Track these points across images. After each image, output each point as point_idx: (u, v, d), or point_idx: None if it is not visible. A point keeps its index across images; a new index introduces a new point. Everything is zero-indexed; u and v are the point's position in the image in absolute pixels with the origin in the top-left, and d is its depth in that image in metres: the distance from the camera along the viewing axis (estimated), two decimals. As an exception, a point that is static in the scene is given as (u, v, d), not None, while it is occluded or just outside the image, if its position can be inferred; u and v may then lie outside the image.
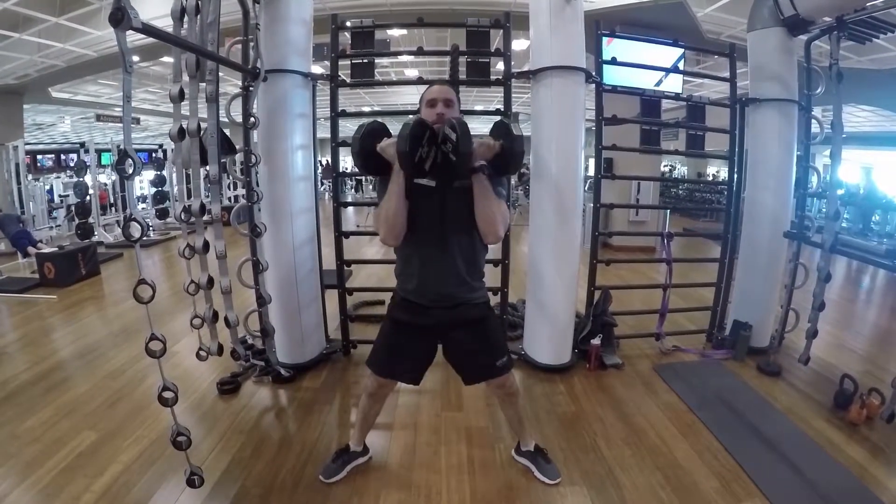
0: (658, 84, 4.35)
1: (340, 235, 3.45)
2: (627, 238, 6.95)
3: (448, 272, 1.90)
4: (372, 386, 2.14)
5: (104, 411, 2.83)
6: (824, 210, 3.25)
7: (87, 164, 8.31)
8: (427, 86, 1.96)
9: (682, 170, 21.18)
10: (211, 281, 2.73)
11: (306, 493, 2.16)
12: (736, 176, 3.71)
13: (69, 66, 8.33)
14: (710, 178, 18.68)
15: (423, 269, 1.91)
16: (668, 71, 3.83)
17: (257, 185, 3.05)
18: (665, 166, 20.22)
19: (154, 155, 10.79)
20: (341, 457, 2.28)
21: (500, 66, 3.40)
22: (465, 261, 1.91)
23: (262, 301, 3.09)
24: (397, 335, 2.04)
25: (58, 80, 9.55)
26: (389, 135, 1.89)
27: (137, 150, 1.77)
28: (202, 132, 2.55)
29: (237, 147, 3.08)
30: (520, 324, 3.73)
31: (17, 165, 8.85)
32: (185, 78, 2.40)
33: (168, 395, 1.86)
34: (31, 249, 6.26)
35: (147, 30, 1.71)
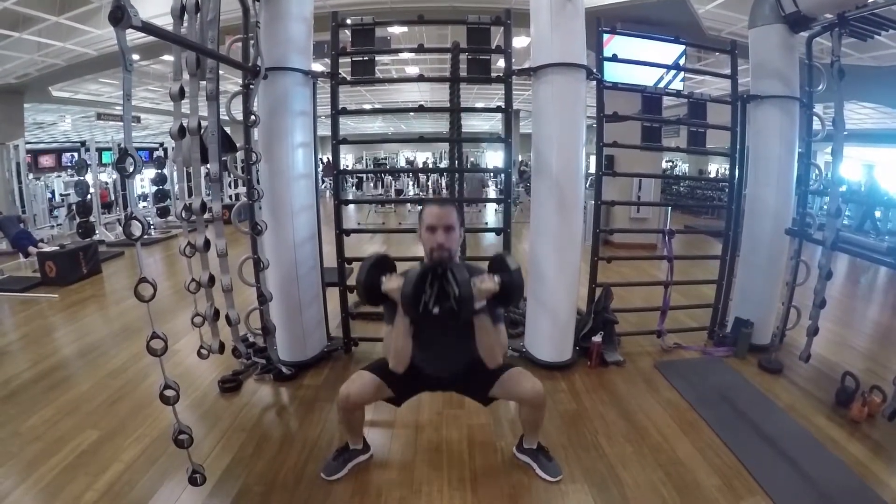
0: (660, 82, 4.34)
1: (341, 233, 3.45)
2: (629, 235, 6.96)
3: (450, 364, 2.15)
4: (346, 401, 2.12)
5: (106, 410, 2.84)
6: (825, 207, 3.24)
7: (88, 162, 8.30)
8: (426, 204, 2.02)
9: (682, 167, 21.14)
10: (212, 279, 2.73)
11: (308, 491, 2.16)
12: (737, 173, 3.70)
13: (69, 64, 8.33)
14: (712, 176, 18.64)
15: (429, 363, 2.13)
16: (669, 68, 3.81)
17: (258, 183, 3.05)
18: (667, 162, 20.23)
19: (155, 153, 10.79)
20: (342, 454, 2.29)
21: (501, 63, 3.40)
22: (466, 354, 2.06)
23: (263, 299, 3.09)
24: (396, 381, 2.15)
25: (58, 79, 9.55)
26: (394, 268, 1.99)
27: (138, 149, 1.77)
28: (203, 130, 2.54)
29: (238, 145, 3.08)
30: (521, 321, 3.73)
31: (17, 165, 8.87)
32: (186, 76, 2.40)
33: (169, 393, 1.86)
34: (31, 249, 6.27)
35: (147, 28, 1.71)
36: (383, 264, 1.97)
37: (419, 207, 2.11)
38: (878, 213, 10.11)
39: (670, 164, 20.80)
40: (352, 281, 3.34)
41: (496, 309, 1.93)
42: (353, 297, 3.57)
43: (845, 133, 2.99)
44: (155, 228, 9.14)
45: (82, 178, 8.04)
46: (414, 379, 2.14)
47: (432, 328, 1.92)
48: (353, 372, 3.23)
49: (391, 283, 1.87)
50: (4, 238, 7.07)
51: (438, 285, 1.79)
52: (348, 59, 3.35)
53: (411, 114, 22.22)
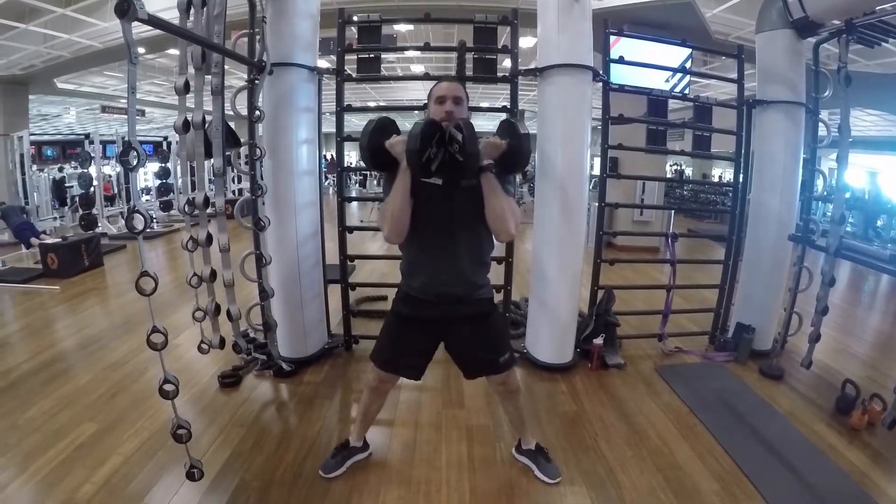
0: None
1: (344, 230, 3.44)
2: (631, 238, 6.94)
3: (454, 270, 1.90)
4: (374, 381, 2.14)
5: (105, 403, 2.84)
6: (829, 214, 3.23)
7: (92, 155, 8.31)
8: (436, 81, 1.95)
9: (688, 171, 21.08)
10: (214, 274, 2.73)
11: (306, 488, 2.16)
12: (742, 178, 3.69)
13: (75, 57, 8.32)
14: (716, 180, 18.61)
15: (428, 268, 1.92)
16: (675, 71, 3.80)
17: (262, 178, 3.05)
18: (673, 166, 20.15)
19: (160, 148, 10.80)
20: (341, 452, 2.28)
21: (507, 63, 3.39)
22: (472, 259, 1.92)
23: (264, 295, 3.09)
24: (400, 329, 2.04)
25: (63, 71, 9.54)
26: (398, 131, 1.87)
27: (142, 142, 1.77)
28: (207, 125, 2.54)
29: (242, 140, 3.07)
30: (522, 322, 3.72)
31: (21, 156, 8.88)
32: (191, 70, 2.40)
33: (169, 387, 1.86)
34: (34, 241, 6.28)
35: (153, 21, 1.70)
36: (389, 126, 1.87)
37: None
38: (880, 222, 10.09)
39: (677, 167, 20.72)
40: (354, 279, 3.34)
41: (505, 180, 1.84)
42: (354, 295, 3.56)
43: (850, 140, 2.98)
44: (158, 222, 9.15)
45: (86, 170, 8.05)
46: (413, 332, 2.02)
47: (434, 208, 1.82)
48: (354, 369, 3.25)
49: (395, 139, 1.80)
50: (7, 229, 7.09)
51: (444, 147, 1.71)
52: (354, 56, 3.34)
53: (416, 112, 22.13)
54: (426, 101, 1.94)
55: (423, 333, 2.03)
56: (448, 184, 1.78)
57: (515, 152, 1.79)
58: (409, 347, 2.04)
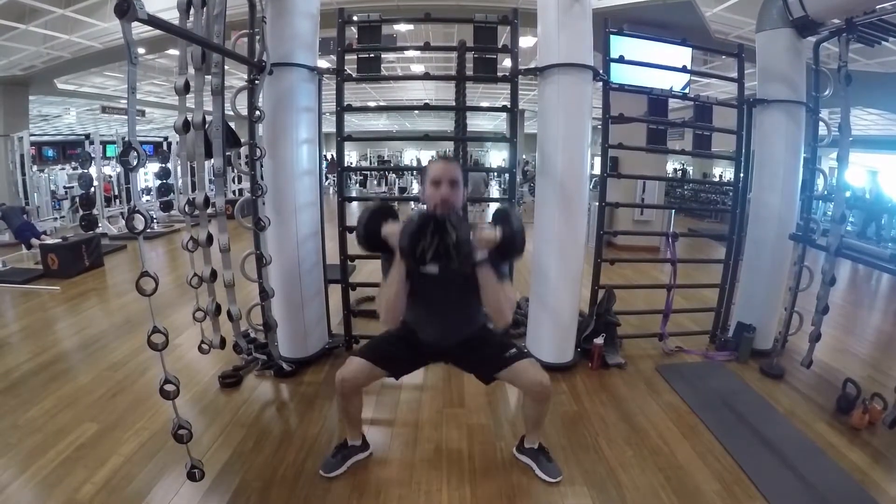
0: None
1: (344, 230, 3.44)
2: (632, 237, 6.94)
3: (450, 331, 2.10)
4: (341, 385, 2.06)
5: (105, 403, 2.84)
6: (830, 213, 3.23)
7: (92, 155, 8.31)
8: (432, 157, 2.02)
9: (688, 170, 21.08)
10: (214, 274, 2.73)
11: (307, 487, 2.16)
12: (742, 177, 3.69)
13: (75, 57, 8.33)
14: (717, 179, 18.60)
15: (427, 327, 2.09)
16: (676, 70, 3.79)
17: (262, 178, 3.05)
18: (677, 167, 20.15)
19: (160, 148, 10.81)
20: (341, 451, 2.28)
21: (508, 62, 3.39)
22: (468, 322, 2.09)
23: (265, 295, 3.09)
24: (398, 342, 2.15)
25: (63, 72, 9.55)
26: (396, 216, 1.92)
27: (142, 143, 1.77)
28: (207, 125, 2.54)
29: (242, 140, 3.07)
30: (523, 322, 3.72)
31: (21, 156, 8.88)
32: (191, 70, 2.40)
33: (170, 387, 1.86)
34: (34, 241, 6.28)
35: (153, 21, 1.70)
36: (386, 212, 1.92)
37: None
38: (883, 221, 10.08)
39: (680, 165, 20.71)
40: (354, 279, 3.34)
41: (500, 266, 1.87)
42: (355, 295, 3.56)
43: (851, 139, 2.98)
44: (158, 222, 9.15)
45: (86, 170, 8.05)
46: (410, 350, 2.11)
47: (431, 287, 1.87)
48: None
49: (391, 227, 1.83)
50: (7, 229, 7.09)
51: (438, 237, 1.73)
52: (354, 56, 3.34)
53: (416, 112, 22.22)
54: (421, 179, 1.98)
55: (421, 355, 2.21)
56: (443, 270, 1.79)
57: (510, 243, 1.81)
58: (400, 356, 2.14)
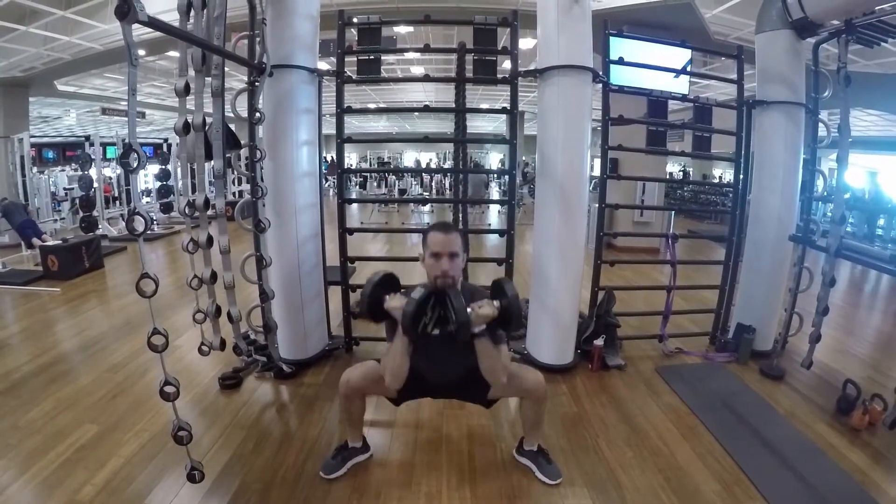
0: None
1: (344, 232, 3.45)
2: (632, 239, 6.95)
3: (450, 377, 2.19)
4: (346, 386, 2.16)
5: (105, 404, 2.84)
6: (829, 214, 3.23)
7: (92, 157, 8.31)
8: (431, 229, 2.03)
9: (688, 172, 21.09)
10: (214, 276, 2.73)
11: (307, 489, 2.16)
12: (742, 178, 3.69)
13: (75, 59, 8.34)
14: (716, 181, 18.60)
15: (426, 374, 2.16)
16: (676, 72, 3.80)
17: (262, 180, 3.05)
18: (678, 168, 20.16)
19: (160, 150, 10.81)
20: (341, 453, 2.28)
21: (507, 64, 3.39)
22: (466, 370, 2.10)
23: (265, 296, 3.09)
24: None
25: (63, 74, 9.56)
26: (399, 287, 2.05)
27: (142, 144, 1.77)
28: (207, 127, 2.54)
29: (242, 142, 3.08)
30: (523, 323, 3.72)
31: (21, 158, 8.89)
32: (191, 72, 2.40)
33: (170, 389, 1.86)
34: (35, 241, 6.27)
35: (153, 23, 1.71)
36: (389, 283, 2.01)
37: (423, 224, 2.12)
38: (881, 221, 10.09)
39: (681, 167, 20.72)
40: (354, 280, 3.34)
41: (497, 331, 1.96)
42: (355, 297, 3.56)
43: (850, 140, 2.98)
44: (158, 224, 9.15)
45: (86, 172, 8.05)
46: (416, 381, 2.13)
47: (433, 345, 1.96)
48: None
49: (394, 302, 1.91)
50: (8, 230, 7.08)
51: (439, 310, 1.87)
52: (354, 58, 3.35)
53: (416, 114, 22.19)
54: (422, 251, 2.03)
55: (426, 388, 2.30)
56: (443, 334, 1.90)
57: (506, 316, 1.89)
58: (406, 385, 2.15)
